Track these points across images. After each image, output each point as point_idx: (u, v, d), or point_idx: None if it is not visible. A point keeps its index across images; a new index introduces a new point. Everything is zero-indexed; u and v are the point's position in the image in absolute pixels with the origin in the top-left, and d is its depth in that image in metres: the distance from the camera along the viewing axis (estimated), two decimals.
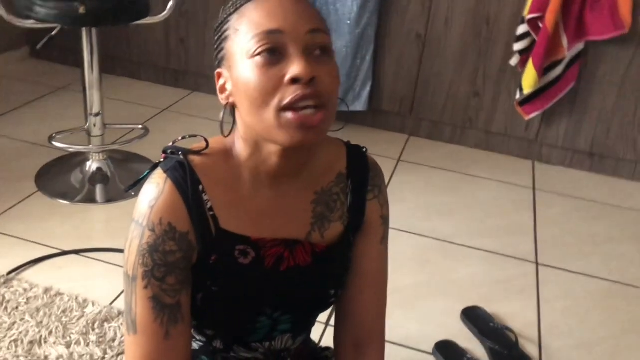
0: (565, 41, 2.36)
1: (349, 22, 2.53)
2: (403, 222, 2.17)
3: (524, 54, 2.43)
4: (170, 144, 0.88)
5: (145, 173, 0.87)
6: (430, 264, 1.98)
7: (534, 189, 2.51)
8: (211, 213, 0.85)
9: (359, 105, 2.70)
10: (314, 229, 0.91)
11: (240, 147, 0.85)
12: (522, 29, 2.39)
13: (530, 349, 1.66)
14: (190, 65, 2.98)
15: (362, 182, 0.95)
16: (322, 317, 1.61)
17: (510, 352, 1.61)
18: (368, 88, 2.68)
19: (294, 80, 0.75)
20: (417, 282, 1.88)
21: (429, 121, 2.80)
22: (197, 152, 0.86)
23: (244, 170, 0.86)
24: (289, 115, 0.76)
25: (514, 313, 1.79)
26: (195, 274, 0.86)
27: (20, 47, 3.19)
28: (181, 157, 0.84)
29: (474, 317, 1.73)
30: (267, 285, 0.90)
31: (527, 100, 2.52)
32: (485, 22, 2.52)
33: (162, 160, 0.87)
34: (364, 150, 0.98)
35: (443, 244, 2.09)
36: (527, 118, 2.57)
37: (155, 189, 0.83)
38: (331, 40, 0.82)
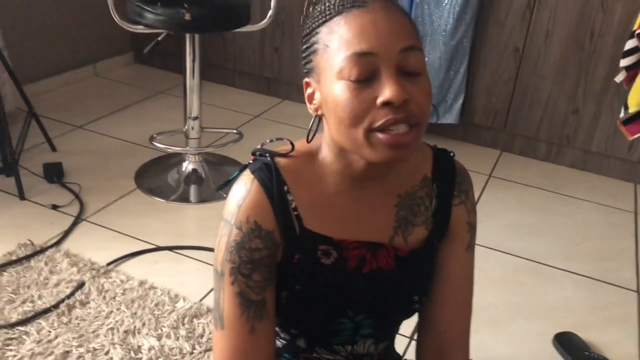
0: None
1: (444, 33, 2.50)
2: (493, 239, 2.10)
3: (631, 70, 2.29)
4: (259, 146, 0.90)
5: (235, 174, 0.90)
6: (521, 285, 1.90)
7: (636, 213, 2.37)
8: (295, 213, 0.86)
9: (450, 118, 2.65)
10: (397, 233, 0.90)
11: (326, 152, 0.86)
12: (630, 43, 2.26)
13: None
14: (283, 74, 3.04)
15: (448, 186, 0.93)
16: (407, 330, 1.59)
17: None
18: (460, 101, 2.63)
19: (386, 104, 0.74)
20: (507, 302, 1.81)
21: (523, 137, 2.70)
22: (283, 155, 0.88)
23: (328, 172, 0.86)
24: (380, 135, 0.75)
25: (612, 343, 1.68)
26: (280, 272, 0.88)
27: (126, 53, 3.38)
28: (268, 158, 0.87)
29: (567, 343, 1.64)
30: (349, 287, 0.89)
31: (632, 120, 2.37)
32: (589, 35, 2.41)
33: (250, 161, 0.89)
34: (451, 154, 0.96)
35: (535, 265, 2.01)
36: (630, 138, 2.41)
37: (243, 189, 0.85)
38: (424, 54, 0.79)
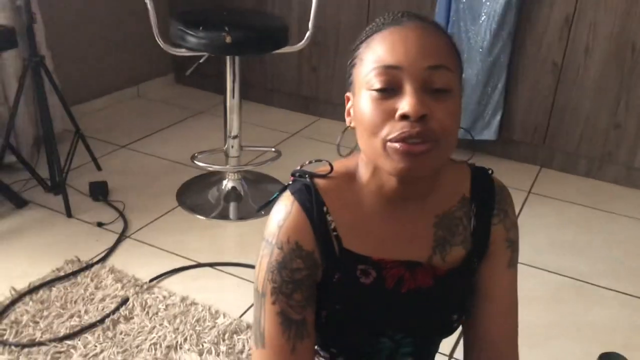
0: None
1: (481, 49, 2.50)
2: (533, 257, 2.07)
3: None
4: (298, 167, 0.92)
5: (275, 195, 0.92)
6: (563, 304, 1.87)
7: None
8: (335, 233, 0.87)
9: (488, 134, 2.64)
10: (435, 253, 0.91)
11: (362, 170, 0.88)
12: None
13: None
14: (320, 93, 3.08)
15: (487, 206, 0.93)
16: (446, 348, 1.58)
17: None
18: (498, 117, 2.62)
19: (404, 116, 0.76)
20: (549, 321, 1.78)
21: (563, 152, 2.67)
22: (322, 176, 0.89)
23: (366, 193, 0.88)
24: (395, 144, 0.77)
25: None
26: (320, 292, 0.89)
27: (167, 74, 3.49)
28: (308, 180, 0.88)
29: None
30: (388, 306, 0.90)
31: None
32: (630, 49, 2.38)
33: (290, 182, 0.91)
34: (490, 172, 0.96)
35: (577, 283, 1.97)
36: None
37: (283, 210, 0.87)
38: (456, 76, 0.80)
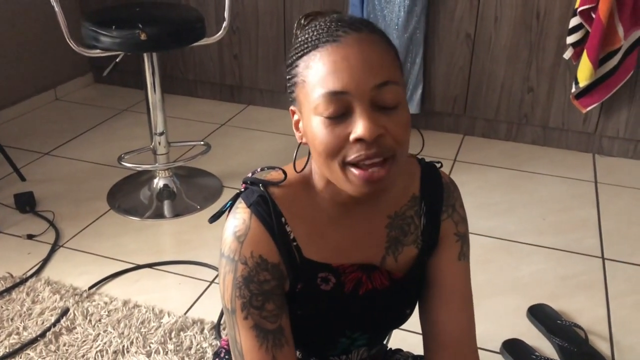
0: (621, 30, 2.31)
1: (397, 27, 2.56)
2: None
3: (578, 46, 2.39)
4: (250, 174, 0.91)
5: (227, 204, 0.90)
6: (493, 263, 1.98)
7: (595, 182, 2.47)
8: (294, 244, 0.87)
9: (411, 109, 2.72)
10: (388, 253, 0.92)
11: (316, 179, 0.87)
12: (574, 21, 2.36)
13: (601, 346, 1.64)
14: (245, 80, 3.07)
15: (436, 203, 0.94)
16: None
17: (580, 349, 1.59)
18: (420, 91, 2.70)
19: (359, 140, 0.75)
20: (481, 281, 1.89)
21: (484, 120, 2.79)
22: (276, 184, 0.88)
23: (320, 200, 0.88)
24: (354, 171, 0.77)
25: (582, 309, 1.77)
26: None
27: (85, 74, 3.37)
28: (261, 189, 0.87)
29: (540, 314, 1.72)
30: (346, 309, 0.92)
31: (583, 93, 2.47)
32: (536, 16, 2.50)
33: (242, 190, 0.89)
34: (439, 165, 0.97)
35: (505, 243, 2.08)
36: (584, 111, 2.52)
37: (241, 225, 0.85)
38: (401, 86, 0.78)
